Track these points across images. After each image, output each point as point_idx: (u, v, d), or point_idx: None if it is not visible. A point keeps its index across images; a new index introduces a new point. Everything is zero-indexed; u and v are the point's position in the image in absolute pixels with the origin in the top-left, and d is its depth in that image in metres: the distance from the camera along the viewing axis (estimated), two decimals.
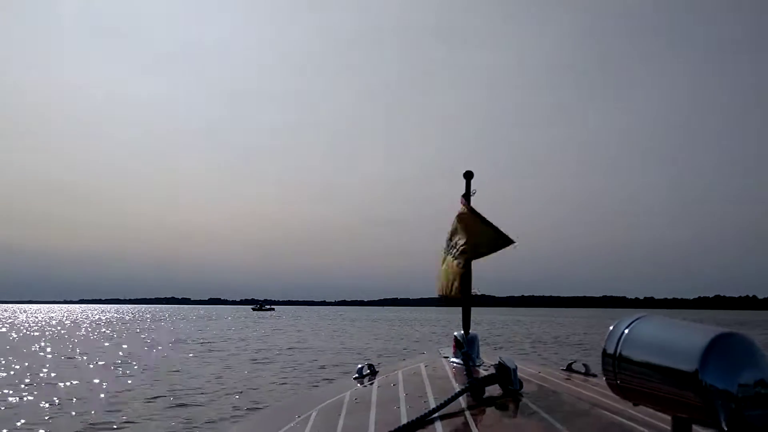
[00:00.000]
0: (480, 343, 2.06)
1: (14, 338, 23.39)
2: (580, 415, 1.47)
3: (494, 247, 1.97)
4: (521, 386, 1.61)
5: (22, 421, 7.36)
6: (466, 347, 1.98)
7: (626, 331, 1.24)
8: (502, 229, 1.94)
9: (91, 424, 7.24)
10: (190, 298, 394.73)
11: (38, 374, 11.84)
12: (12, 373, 12.01)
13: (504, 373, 1.60)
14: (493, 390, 1.60)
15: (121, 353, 16.84)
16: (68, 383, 10.65)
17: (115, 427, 7.14)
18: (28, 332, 27.65)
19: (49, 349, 18.05)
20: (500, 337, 26.53)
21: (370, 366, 2.13)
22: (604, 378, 1.28)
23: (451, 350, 2.07)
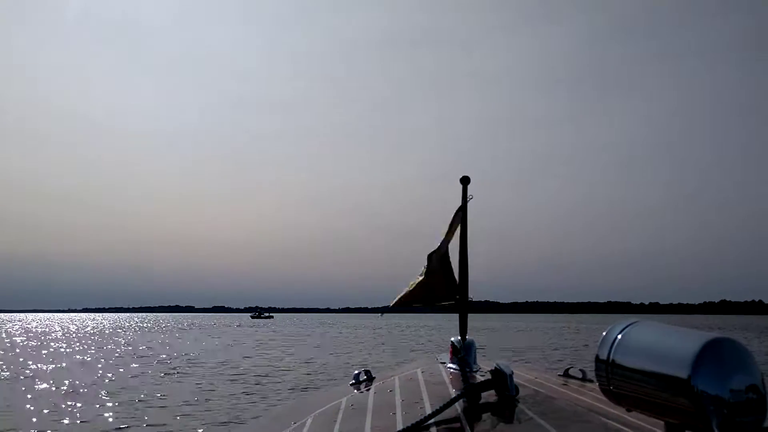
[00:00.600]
0: (477, 349, 2.06)
1: None
2: (576, 420, 1.47)
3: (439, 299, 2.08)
4: (517, 392, 1.61)
5: None
6: (463, 353, 1.98)
7: (619, 336, 1.24)
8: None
9: None
10: (194, 306, 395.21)
11: None
12: None
13: (500, 379, 1.60)
14: (489, 396, 1.60)
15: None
16: None
17: None
18: None
19: None
20: (498, 344, 26.31)
21: (367, 372, 2.13)
22: (597, 384, 1.28)
23: (448, 356, 2.07)
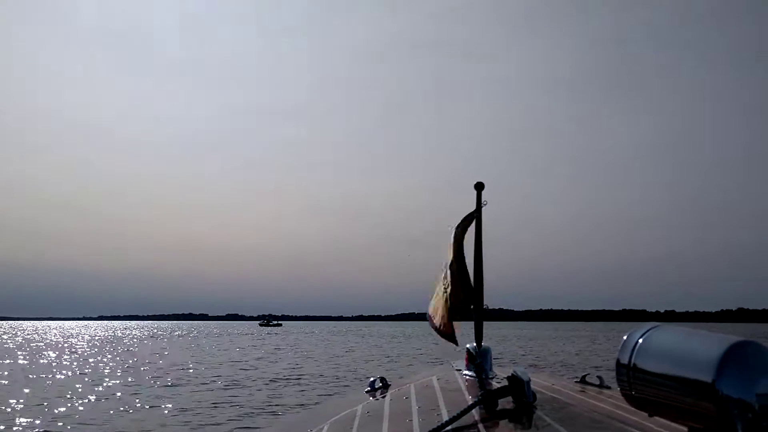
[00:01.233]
0: (492, 355, 2.04)
1: None
2: (594, 427, 1.45)
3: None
4: (535, 398, 1.58)
5: None
6: (479, 359, 1.97)
7: (640, 341, 1.22)
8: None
9: None
10: (207, 314, 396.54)
11: None
12: None
13: (517, 386, 1.57)
14: (506, 402, 1.58)
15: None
16: None
17: None
18: None
19: None
20: (512, 352, 26.11)
21: (382, 379, 2.12)
22: (618, 389, 1.26)
23: (464, 363, 2.06)
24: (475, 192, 2.05)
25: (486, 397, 1.55)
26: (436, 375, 2.03)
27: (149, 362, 20.19)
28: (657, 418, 1.21)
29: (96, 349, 28.08)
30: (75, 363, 19.96)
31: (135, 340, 40.24)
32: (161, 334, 52.49)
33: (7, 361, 20.69)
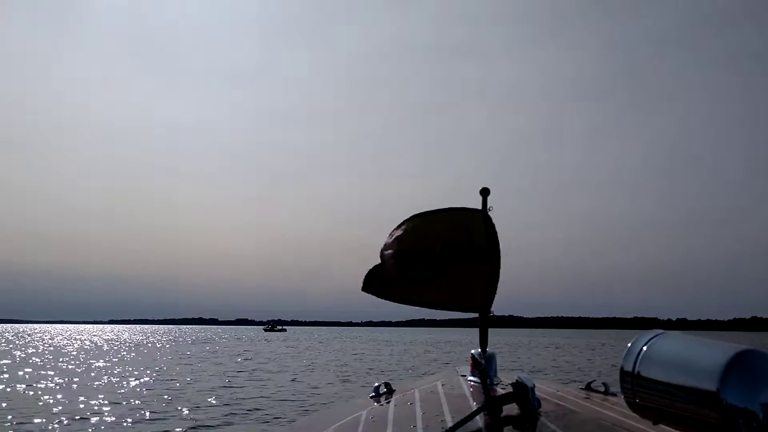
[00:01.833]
0: (498, 361, 2.03)
1: None
2: None
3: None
4: (539, 405, 1.58)
5: None
6: (484, 365, 1.96)
7: (644, 348, 1.22)
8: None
9: None
10: (217, 319, 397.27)
11: None
12: None
13: (521, 392, 1.57)
14: (511, 409, 1.58)
15: None
16: None
17: None
18: None
19: None
20: (520, 359, 25.81)
21: (387, 384, 2.11)
22: (622, 396, 1.25)
23: (468, 369, 2.05)
24: (480, 197, 2.05)
25: (490, 404, 1.55)
26: (440, 381, 2.03)
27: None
28: (661, 426, 1.20)
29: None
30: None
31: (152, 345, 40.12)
32: (180, 340, 52.42)
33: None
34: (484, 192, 2.04)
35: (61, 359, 23.75)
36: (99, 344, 41.26)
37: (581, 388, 2.02)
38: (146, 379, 15.90)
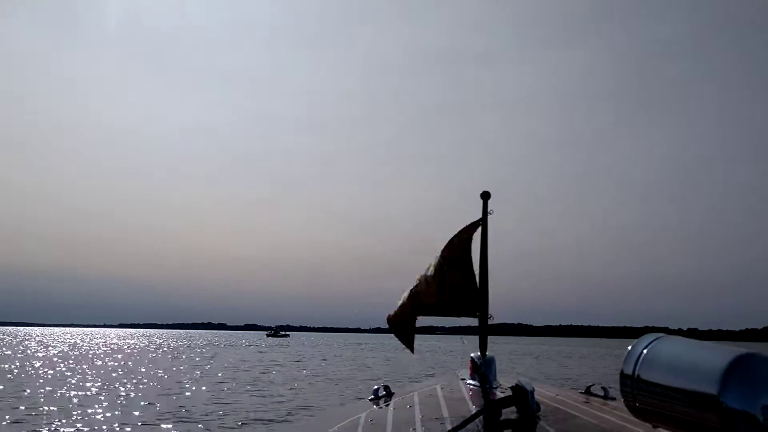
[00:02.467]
0: (497, 365, 2.02)
1: None
2: None
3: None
4: (538, 409, 1.58)
5: None
6: (483, 369, 1.95)
7: (645, 351, 1.21)
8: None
9: None
10: (226, 324, 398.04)
11: None
12: None
13: (521, 396, 1.56)
14: (510, 412, 1.57)
15: None
16: None
17: None
18: None
19: None
20: (521, 367, 25.60)
21: (386, 387, 2.11)
22: (622, 400, 1.25)
23: (468, 372, 2.04)
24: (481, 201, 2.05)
25: (489, 407, 1.54)
26: (440, 384, 2.02)
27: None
28: (661, 429, 1.20)
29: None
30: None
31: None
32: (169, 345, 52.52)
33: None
34: (485, 196, 2.05)
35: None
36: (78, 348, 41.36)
37: (581, 393, 2.01)
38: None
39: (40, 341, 55.51)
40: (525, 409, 1.56)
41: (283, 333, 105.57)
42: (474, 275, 2.05)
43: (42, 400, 11.95)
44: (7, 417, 9.72)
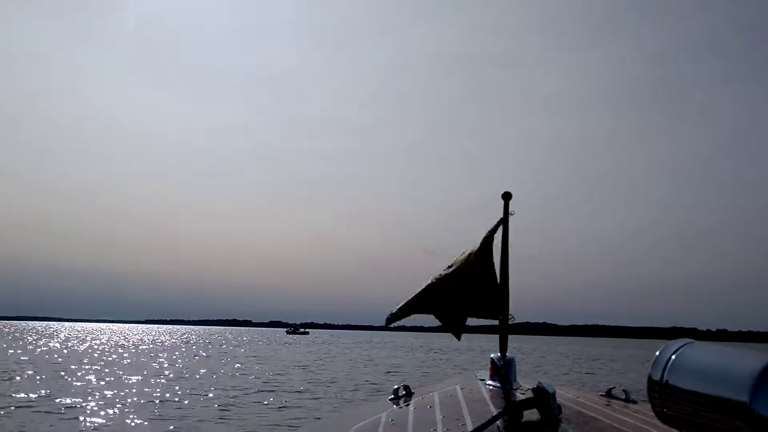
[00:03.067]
0: (517, 366, 1.99)
1: None
2: None
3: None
4: (560, 411, 1.56)
5: None
6: (504, 370, 1.93)
7: (673, 357, 1.19)
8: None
9: None
10: (251, 320, 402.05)
11: None
12: None
13: (542, 398, 1.54)
14: (531, 414, 1.55)
15: None
16: None
17: None
18: None
19: None
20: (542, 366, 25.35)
21: (406, 387, 2.10)
22: (649, 405, 1.22)
23: (488, 373, 2.02)
24: (502, 201, 2.02)
25: (511, 409, 1.52)
26: (459, 384, 2.00)
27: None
28: None
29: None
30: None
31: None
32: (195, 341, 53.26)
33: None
34: (506, 196, 2.02)
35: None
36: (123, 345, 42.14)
37: (602, 395, 1.98)
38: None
39: (94, 338, 56.55)
40: (546, 411, 1.53)
41: (302, 330, 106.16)
42: (495, 277, 2.02)
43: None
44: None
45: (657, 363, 1.20)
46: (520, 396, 1.78)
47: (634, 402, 1.85)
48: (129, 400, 11.54)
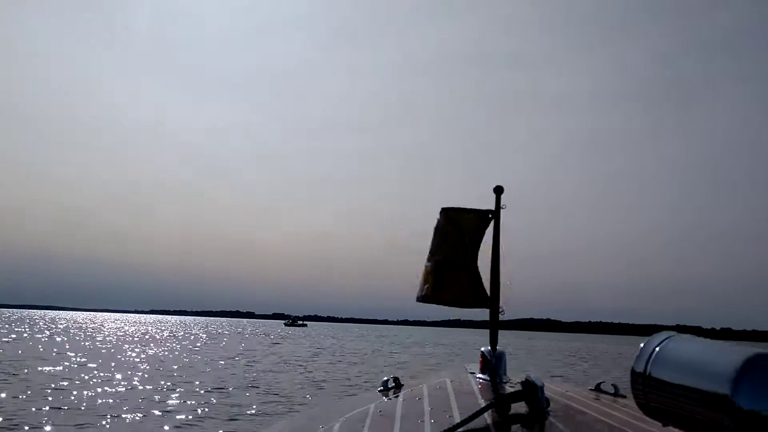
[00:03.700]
0: (507, 360, 1.99)
1: None
2: None
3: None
4: (548, 404, 1.55)
5: None
6: (493, 363, 1.92)
7: (657, 349, 1.19)
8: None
9: None
10: (254, 312, 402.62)
11: None
12: None
13: (531, 391, 1.54)
14: (519, 407, 1.55)
15: None
16: None
17: None
18: None
19: None
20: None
21: (395, 379, 2.09)
22: (633, 398, 1.22)
23: (477, 366, 2.02)
24: (494, 195, 2.00)
25: (499, 401, 1.52)
26: (449, 377, 2.00)
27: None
28: (671, 428, 1.17)
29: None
30: None
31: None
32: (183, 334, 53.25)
33: None
34: (498, 190, 2.01)
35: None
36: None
37: (590, 389, 1.97)
38: None
39: (109, 327, 56.64)
40: (534, 404, 1.53)
41: (301, 323, 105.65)
42: (479, 275, 2.00)
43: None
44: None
45: (641, 355, 1.20)
46: (508, 389, 1.78)
47: (623, 396, 1.85)
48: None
